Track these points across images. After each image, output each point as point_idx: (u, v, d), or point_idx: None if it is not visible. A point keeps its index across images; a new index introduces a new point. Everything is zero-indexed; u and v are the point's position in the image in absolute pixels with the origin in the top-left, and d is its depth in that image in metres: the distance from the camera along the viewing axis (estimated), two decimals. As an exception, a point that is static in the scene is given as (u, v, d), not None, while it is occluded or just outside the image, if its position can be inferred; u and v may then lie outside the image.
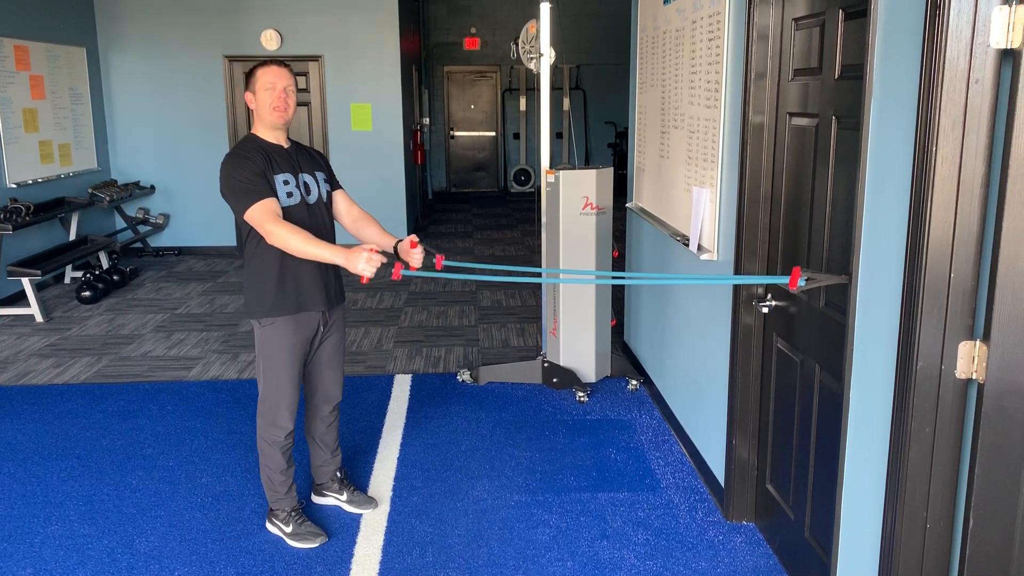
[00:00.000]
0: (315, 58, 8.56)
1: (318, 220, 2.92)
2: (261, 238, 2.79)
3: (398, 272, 2.63)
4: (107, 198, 7.68)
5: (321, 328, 3.01)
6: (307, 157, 3.00)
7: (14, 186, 6.78)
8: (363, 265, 2.59)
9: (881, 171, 2.02)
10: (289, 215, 2.80)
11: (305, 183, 2.91)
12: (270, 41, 8.47)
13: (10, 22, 6.84)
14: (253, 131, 2.92)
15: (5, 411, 4.38)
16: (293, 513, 3.11)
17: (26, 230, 6.67)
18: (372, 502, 3.33)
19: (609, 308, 4.68)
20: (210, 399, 4.53)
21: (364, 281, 2.61)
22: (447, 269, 2.87)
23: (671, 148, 3.88)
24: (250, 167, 2.76)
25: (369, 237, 3.00)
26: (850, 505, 2.26)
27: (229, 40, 8.51)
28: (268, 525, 3.16)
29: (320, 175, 2.99)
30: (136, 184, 8.54)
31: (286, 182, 2.84)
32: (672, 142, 3.86)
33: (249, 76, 2.86)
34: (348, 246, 2.68)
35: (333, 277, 3.00)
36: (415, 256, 2.80)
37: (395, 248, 2.89)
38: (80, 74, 8.03)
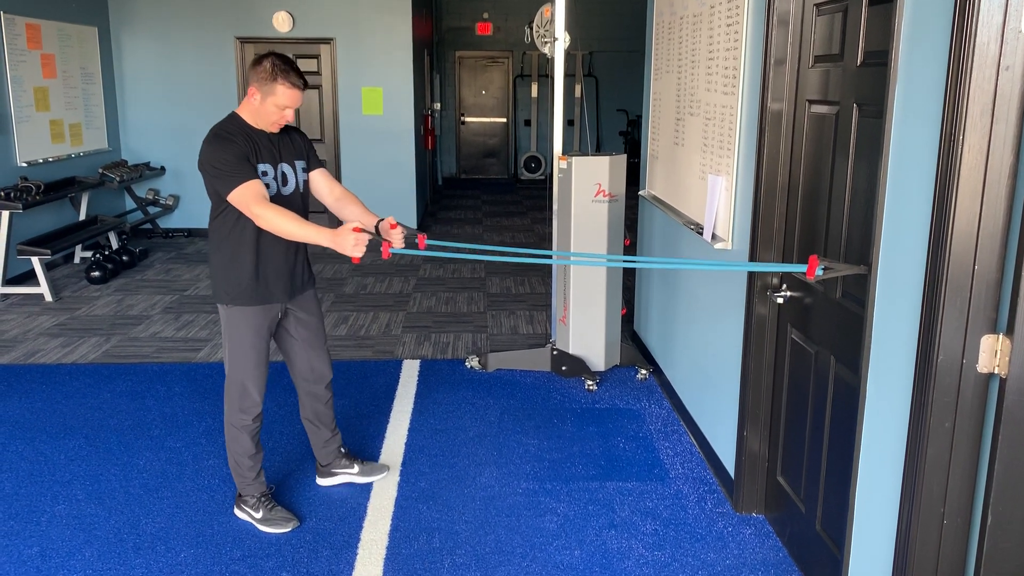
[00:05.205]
0: (327, 40, 8.51)
1: (293, 210, 2.86)
2: (235, 223, 2.81)
3: (387, 251, 2.70)
4: (117, 178, 7.67)
5: (289, 308, 3.04)
6: (288, 144, 2.96)
7: (24, 165, 6.77)
8: (351, 247, 2.63)
9: (904, 160, 1.98)
10: None
11: (283, 174, 2.91)
12: (282, 23, 8.43)
13: (22, 0, 6.81)
14: (239, 112, 2.88)
15: (13, 389, 4.38)
16: (263, 499, 3.09)
17: (36, 209, 6.67)
18: (384, 468, 3.30)
19: (620, 297, 4.65)
20: (218, 381, 4.52)
21: (356, 261, 2.67)
22: (429, 248, 2.88)
23: (686, 135, 3.83)
24: (234, 149, 2.75)
25: (352, 216, 2.98)
26: (864, 499, 2.23)
27: (241, 22, 8.47)
28: (236, 511, 3.14)
29: (299, 163, 2.99)
30: (146, 165, 8.54)
31: (264, 173, 2.84)
32: (687, 129, 3.81)
33: (267, 77, 2.75)
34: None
35: (302, 266, 3.03)
36: (395, 236, 2.82)
37: (376, 227, 2.89)
38: (91, 54, 8.01)
